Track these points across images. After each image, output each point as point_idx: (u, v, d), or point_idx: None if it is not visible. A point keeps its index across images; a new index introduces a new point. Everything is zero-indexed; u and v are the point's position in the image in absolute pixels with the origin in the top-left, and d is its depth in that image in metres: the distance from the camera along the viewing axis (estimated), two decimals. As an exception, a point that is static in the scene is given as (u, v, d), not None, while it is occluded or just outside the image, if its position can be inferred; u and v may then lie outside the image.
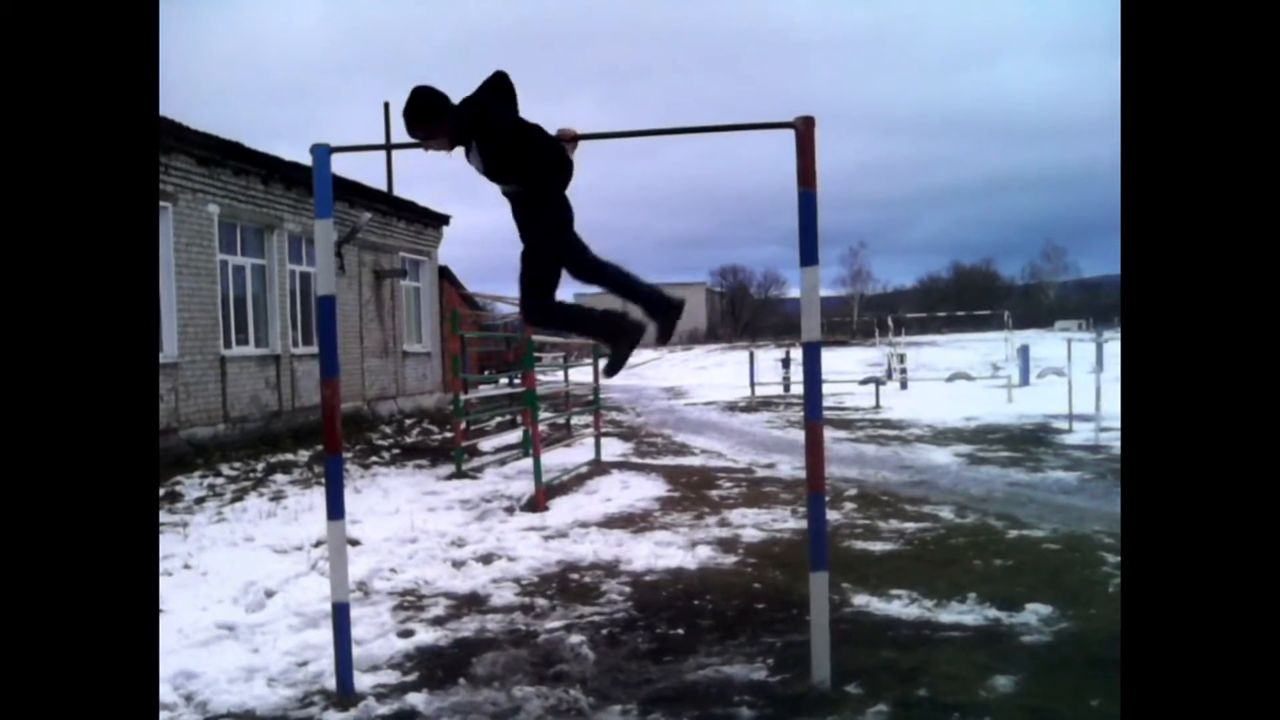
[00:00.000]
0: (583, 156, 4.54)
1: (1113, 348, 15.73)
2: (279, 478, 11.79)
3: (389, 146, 11.16)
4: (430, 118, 4.22)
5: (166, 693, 4.63)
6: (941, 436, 15.41)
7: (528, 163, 4.24)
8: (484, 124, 4.19)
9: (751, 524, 8.54)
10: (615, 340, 4.61)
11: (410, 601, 6.35)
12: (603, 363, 7.48)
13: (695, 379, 37.48)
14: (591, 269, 4.55)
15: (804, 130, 4.43)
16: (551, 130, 4.40)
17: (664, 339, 4.61)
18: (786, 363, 27.89)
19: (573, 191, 4.51)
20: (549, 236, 4.38)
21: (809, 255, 4.46)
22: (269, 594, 6.40)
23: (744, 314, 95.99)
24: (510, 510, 9.59)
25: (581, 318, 4.69)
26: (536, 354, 12.76)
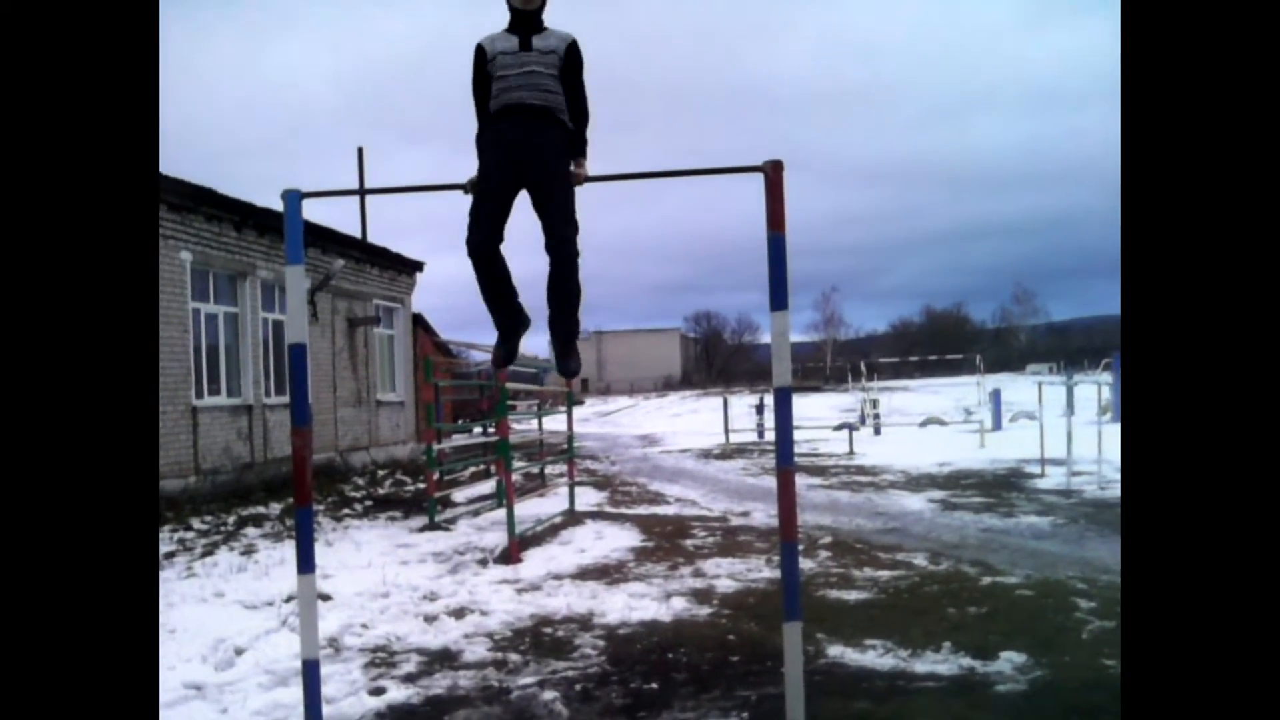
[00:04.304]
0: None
1: (1082, 391, 15.91)
2: (250, 531, 11.62)
3: (362, 192, 11.16)
4: None
5: (131, 756, 4.54)
6: (915, 482, 15.48)
7: None
8: None
9: (726, 574, 8.53)
10: (512, 332, 4.63)
11: (382, 658, 6.27)
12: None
13: (669, 426, 37.49)
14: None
15: (772, 174, 4.50)
16: None
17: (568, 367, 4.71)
18: (760, 409, 27.96)
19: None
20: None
21: (779, 299, 4.50)
22: (239, 651, 6.31)
23: (718, 360, 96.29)
24: (483, 562, 9.51)
25: (498, 290, 4.57)
26: (510, 402, 12.72)
